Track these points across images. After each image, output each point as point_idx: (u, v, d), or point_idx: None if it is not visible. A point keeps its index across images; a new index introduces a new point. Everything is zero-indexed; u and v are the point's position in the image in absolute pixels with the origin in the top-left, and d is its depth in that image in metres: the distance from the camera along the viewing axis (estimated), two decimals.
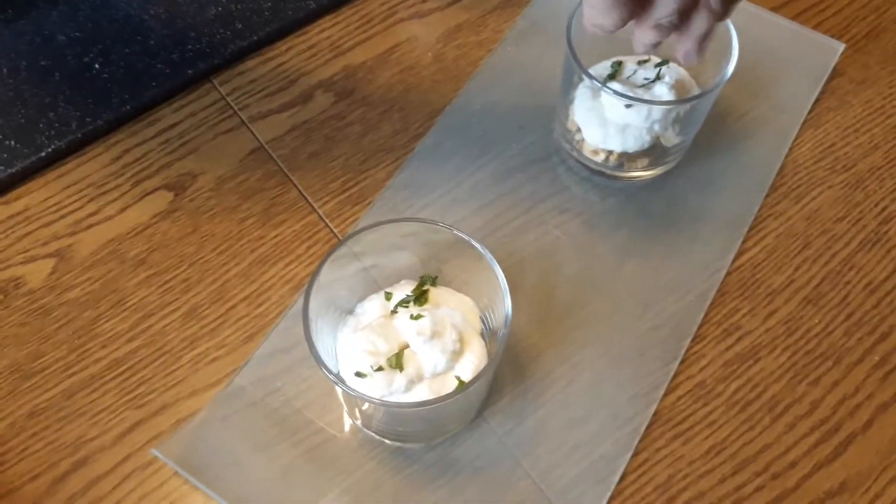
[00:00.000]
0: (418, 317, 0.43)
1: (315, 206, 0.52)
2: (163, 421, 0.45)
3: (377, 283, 0.45)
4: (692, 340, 0.48)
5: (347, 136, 0.54)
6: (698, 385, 0.47)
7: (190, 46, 0.56)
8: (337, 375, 0.40)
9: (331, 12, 0.59)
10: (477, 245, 0.42)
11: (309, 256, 0.50)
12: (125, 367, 0.47)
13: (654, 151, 0.51)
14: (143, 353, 0.47)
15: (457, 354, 0.42)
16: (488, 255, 0.42)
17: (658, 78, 0.50)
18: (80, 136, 0.53)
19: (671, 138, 0.50)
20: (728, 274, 0.50)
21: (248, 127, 0.55)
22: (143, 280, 0.49)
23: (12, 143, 0.52)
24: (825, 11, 0.60)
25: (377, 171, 0.53)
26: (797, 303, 0.49)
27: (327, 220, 0.51)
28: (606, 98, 0.50)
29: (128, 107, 0.54)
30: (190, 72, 0.55)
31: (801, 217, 0.52)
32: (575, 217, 0.52)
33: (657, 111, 0.49)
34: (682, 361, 0.47)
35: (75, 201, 0.52)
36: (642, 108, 0.49)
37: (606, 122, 0.50)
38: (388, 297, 0.44)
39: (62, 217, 0.51)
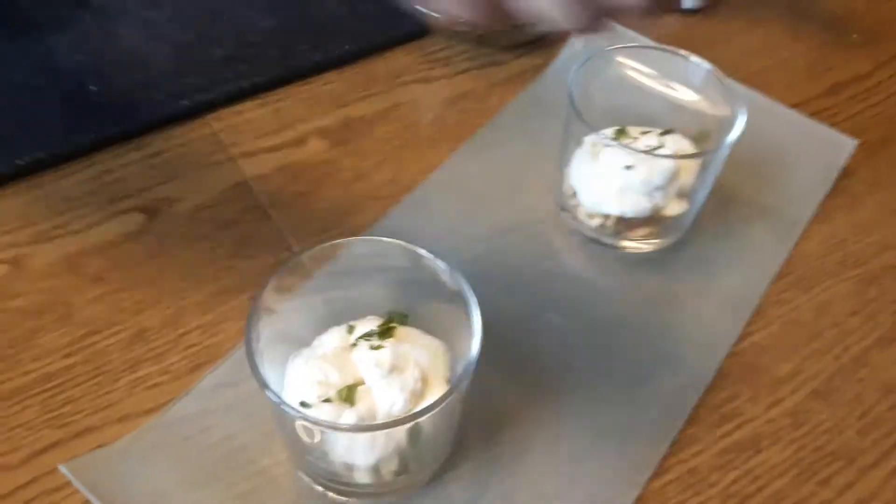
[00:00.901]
0: (378, 347, 0.38)
1: (291, 243, 0.49)
2: (83, 444, 0.40)
3: (340, 319, 0.41)
4: (686, 423, 0.43)
5: (336, 182, 0.52)
6: (690, 472, 0.41)
7: (190, 80, 0.55)
8: (277, 396, 0.35)
9: (336, 68, 0.59)
10: (448, 273, 0.39)
11: None
12: (55, 383, 0.42)
13: (653, 222, 0.48)
14: (77, 371, 0.43)
15: (417, 397, 0.38)
16: (464, 288, 0.38)
17: (660, 147, 0.48)
18: (61, 150, 0.51)
19: (673, 208, 0.48)
20: (728, 357, 0.46)
21: (235, 162, 0.53)
22: (96, 297, 0.46)
23: None
24: (839, 115, 0.59)
25: (361, 216, 0.50)
26: (805, 395, 0.44)
27: None
28: (605, 160, 0.48)
29: (117, 129, 0.52)
30: (185, 103, 0.54)
31: (810, 307, 0.48)
32: (566, 283, 0.48)
33: (658, 177, 0.46)
34: (674, 444, 0.42)
35: (44, 212, 0.49)
36: (642, 172, 0.46)
37: (604, 184, 0.48)
38: (351, 330, 0.40)
39: (26, 226, 0.48)
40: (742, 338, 0.46)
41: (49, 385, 0.42)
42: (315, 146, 0.54)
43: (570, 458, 0.41)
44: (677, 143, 0.48)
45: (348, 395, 0.37)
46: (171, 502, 0.38)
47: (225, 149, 0.53)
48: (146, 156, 0.53)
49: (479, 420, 0.42)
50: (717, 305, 0.48)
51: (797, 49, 0.64)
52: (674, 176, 0.47)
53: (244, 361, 0.43)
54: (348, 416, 0.37)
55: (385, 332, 0.40)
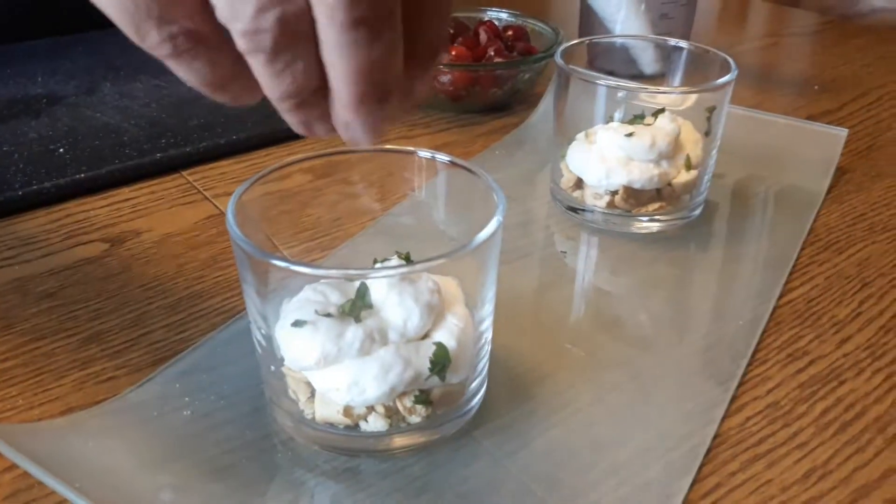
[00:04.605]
0: (385, 259, 0.33)
1: (280, 248, 0.44)
2: None
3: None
4: (750, 365, 0.36)
5: (322, 203, 0.48)
6: (771, 406, 0.34)
7: (163, 140, 0.53)
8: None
9: None
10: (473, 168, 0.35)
11: None
12: None
13: (664, 196, 0.45)
14: (15, 373, 0.35)
15: (434, 312, 0.31)
16: (483, 174, 0.35)
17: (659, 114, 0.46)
18: (20, 193, 0.47)
19: (682, 176, 0.45)
20: (779, 307, 0.40)
21: (211, 201, 0.49)
22: (43, 310, 0.39)
23: None
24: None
25: (352, 226, 0.46)
26: (874, 331, 0.38)
27: None
28: (603, 139, 0.46)
29: (82, 178, 0.49)
30: (158, 156, 0.52)
31: (850, 263, 0.44)
32: (585, 266, 0.44)
33: (662, 140, 0.44)
34: (742, 384, 0.35)
35: None
36: (645, 137, 0.44)
37: (606, 159, 0.45)
38: (350, 278, 0.34)
39: None
40: (787, 291, 0.41)
41: None
42: (298, 178, 0.51)
43: (622, 403, 0.34)
44: (671, 119, 0.47)
45: (352, 308, 0.31)
46: (130, 480, 0.29)
47: (199, 192, 0.50)
48: (114, 202, 0.49)
49: (503, 378, 0.35)
50: (752, 266, 0.43)
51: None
52: (678, 143, 0.45)
53: (220, 348, 0.37)
54: (353, 333, 0.30)
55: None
